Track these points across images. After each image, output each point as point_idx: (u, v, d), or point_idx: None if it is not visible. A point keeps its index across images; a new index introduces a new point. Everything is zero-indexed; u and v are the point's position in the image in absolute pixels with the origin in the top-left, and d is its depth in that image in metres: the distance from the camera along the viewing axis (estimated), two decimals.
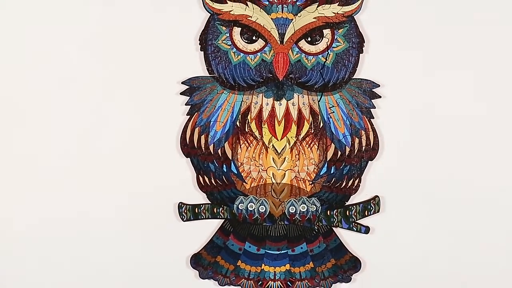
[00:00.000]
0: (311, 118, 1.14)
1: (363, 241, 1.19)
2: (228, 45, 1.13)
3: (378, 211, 1.17)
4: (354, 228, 1.18)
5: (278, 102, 1.14)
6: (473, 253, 1.20)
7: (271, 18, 1.11)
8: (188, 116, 1.16)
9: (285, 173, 1.16)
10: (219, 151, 1.15)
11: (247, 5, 1.12)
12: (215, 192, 1.17)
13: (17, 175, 1.20)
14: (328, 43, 1.12)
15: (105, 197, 1.20)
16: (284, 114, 1.14)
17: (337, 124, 1.14)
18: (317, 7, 1.11)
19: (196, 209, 1.18)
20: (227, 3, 1.12)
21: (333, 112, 1.14)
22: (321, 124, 1.14)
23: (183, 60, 1.15)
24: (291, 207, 1.16)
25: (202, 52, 1.14)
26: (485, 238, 1.20)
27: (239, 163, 1.16)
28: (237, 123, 1.15)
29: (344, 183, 1.16)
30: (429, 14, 1.15)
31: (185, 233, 1.20)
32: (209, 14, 1.13)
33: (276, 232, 1.19)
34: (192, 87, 1.15)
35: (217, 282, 1.20)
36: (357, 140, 1.15)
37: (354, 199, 1.18)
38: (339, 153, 1.15)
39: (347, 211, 1.17)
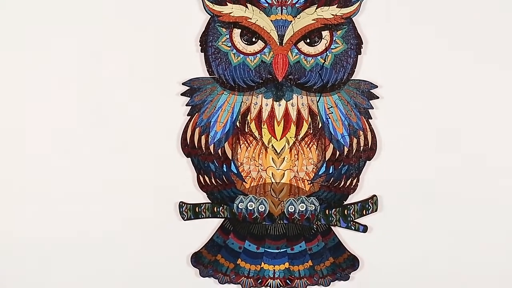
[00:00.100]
0: (310, 119, 1.14)
1: (361, 240, 1.19)
2: (228, 46, 1.13)
3: (376, 210, 1.17)
4: (352, 227, 1.18)
5: (278, 102, 1.14)
6: (470, 252, 1.20)
7: (271, 20, 1.11)
8: (189, 117, 1.15)
9: (284, 173, 1.16)
10: (219, 151, 1.15)
11: (246, 7, 1.11)
12: (215, 192, 1.17)
13: (19, 175, 1.20)
14: (327, 45, 1.12)
15: (107, 196, 1.20)
16: (284, 114, 1.14)
17: (336, 124, 1.14)
18: (316, 9, 1.11)
19: (197, 208, 1.18)
20: (227, 5, 1.11)
21: (332, 112, 1.14)
22: (320, 125, 1.14)
23: (184, 61, 1.15)
24: (290, 206, 1.16)
25: (203, 53, 1.14)
26: (483, 237, 1.20)
27: (239, 163, 1.15)
28: (237, 124, 1.15)
29: (342, 183, 1.16)
30: (426, 16, 1.14)
31: (185, 232, 1.20)
32: (210, 16, 1.13)
33: (275, 231, 1.19)
34: (192, 88, 1.15)
35: (217, 280, 1.21)
36: (355, 140, 1.15)
37: (352, 198, 1.18)
38: (338, 153, 1.15)
39: (346, 210, 1.17)
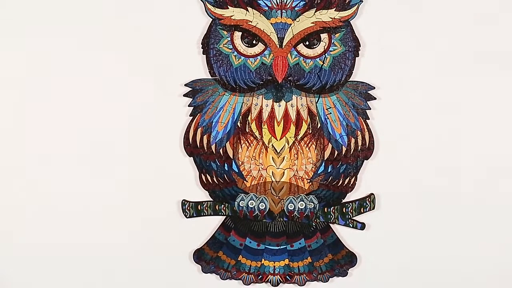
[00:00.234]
0: (309, 119, 1.14)
1: (359, 237, 1.19)
2: (229, 48, 1.13)
3: (373, 208, 1.18)
4: (350, 225, 1.18)
5: (278, 103, 1.14)
6: (466, 249, 1.20)
7: (271, 23, 1.11)
8: (191, 117, 1.16)
9: (284, 172, 1.16)
10: (221, 150, 1.15)
11: (247, 10, 1.11)
12: (217, 190, 1.18)
13: (22, 174, 1.20)
14: (326, 47, 1.12)
15: (111, 195, 1.20)
16: (283, 115, 1.14)
17: (334, 124, 1.14)
18: (315, 12, 1.11)
19: (199, 206, 1.18)
20: (228, 8, 1.11)
21: (330, 113, 1.14)
22: (319, 125, 1.14)
23: (186, 63, 1.15)
24: (290, 204, 1.17)
25: (205, 55, 1.14)
26: (478, 235, 1.20)
27: (240, 162, 1.16)
28: (238, 124, 1.15)
29: (340, 182, 1.16)
30: (422, 19, 1.14)
31: (188, 229, 1.20)
32: (211, 19, 1.13)
33: (275, 228, 1.19)
34: (194, 89, 1.15)
35: (219, 276, 1.21)
36: (353, 140, 1.15)
37: (350, 196, 1.18)
38: (336, 152, 1.15)
39: (344, 208, 1.18)
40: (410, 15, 1.15)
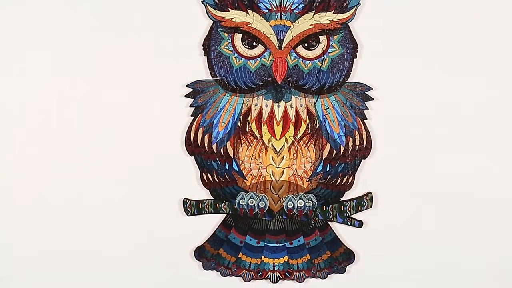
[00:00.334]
0: (308, 119, 1.15)
1: (356, 235, 1.20)
2: (230, 50, 1.14)
3: (371, 207, 1.18)
4: (348, 222, 1.19)
5: (277, 104, 1.14)
6: (461, 245, 1.21)
7: (270, 25, 1.12)
8: (192, 117, 1.16)
9: (283, 171, 1.16)
10: (222, 150, 1.16)
11: (247, 13, 1.12)
12: (217, 189, 1.18)
13: (22, 174, 1.20)
14: (324, 49, 1.13)
15: (115, 193, 1.20)
16: (283, 115, 1.15)
17: (332, 124, 1.15)
18: (314, 15, 1.12)
19: (200, 204, 1.19)
20: (229, 11, 1.12)
21: (329, 113, 1.15)
22: (317, 125, 1.15)
23: (188, 64, 1.15)
24: (289, 202, 1.17)
25: (206, 57, 1.14)
26: (474, 231, 1.20)
27: (240, 161, 1.16)
28: (238, 124, 1.15)
29: (339, 180, 1.17)
30: (418, 21, 1.15)
31: (189, 227, 1.20)
32: (212, 22, 1.14)
33: (275, 226, 1.19)
34: (196, 90, 1.15)
35: (219, 273, 1.21)
36: (351, 140, 1.15)
37: (348, 195, 1.19)
38: (334, 152, 1.15)
39: (342, 207, 1.18)
40: (406, 18, 1.15)
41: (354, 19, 1.13)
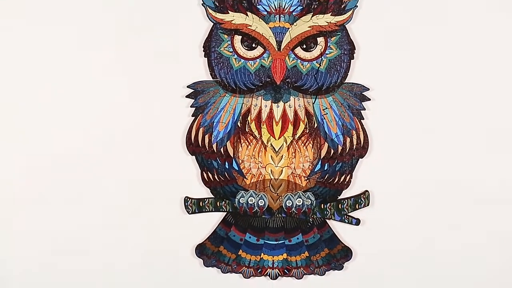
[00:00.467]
0: (306, 119, 1.15)
1: (354, 232, 1.20)
2: (229, 51, 1.14)
3: (368, 205, 1.18)
4: (345, 220, 1.19)
5: (276, 104, 1.15)
6: (457, 244, 1.21)
7: (269, 27, 1.12)
8: (193, 118, 1.17)
9: (282, 170, 1.17)
10: (222, 149, 1.16)
11: (247, 15, 1.12)
12: (218, 187, 1.18)
13: (22, 174, 1.20)
14: (322, 50, 1.13)
15: (117, 192, 1.20)
16: (282, 115, 1.15)
17: (330, 124, 1.15)
18: (312, 17, 1.12)
19: (201, 202, 1.19)
20: (228, 13, 1.12)
21: (327, 113, 1.15)
22: (316, 125, 1.15)
23: (189, 65, 1.15)
24: (288, 201, 1.18)
25: (206, 58, 1.15)
26: (471, 230, 1.20)
27: (240, 161, 1.16)
28: (238, 124, 1.16)
29: (336, 179, 1.17)
30: (415, 22, 1.15)
31: (190, 225, 1.20)
32: (212, 24, 1.14)
33: (274, 224, 1.20)
34: (196, 90, 1.16)
35: (220, 270, 1.22)
36: (348, 139, 1.16)
37: (346, 193, 1.19)
38: (332, 151, 1.16)
39: (339, 205, 1.18)
40: (402, 20, 1.15)
41: (351, 21, 1.13)
